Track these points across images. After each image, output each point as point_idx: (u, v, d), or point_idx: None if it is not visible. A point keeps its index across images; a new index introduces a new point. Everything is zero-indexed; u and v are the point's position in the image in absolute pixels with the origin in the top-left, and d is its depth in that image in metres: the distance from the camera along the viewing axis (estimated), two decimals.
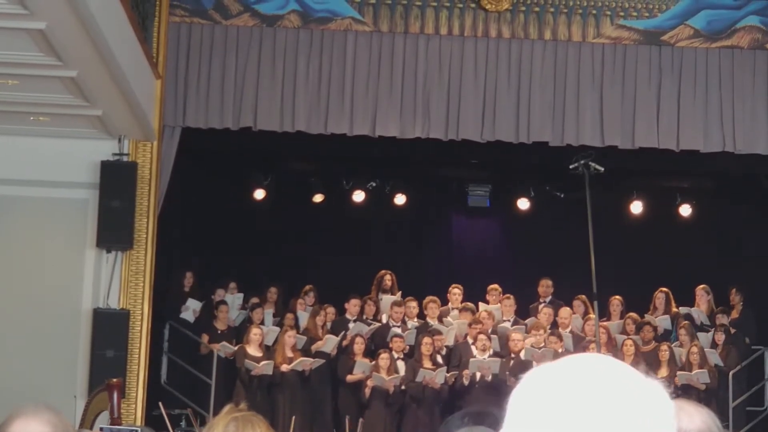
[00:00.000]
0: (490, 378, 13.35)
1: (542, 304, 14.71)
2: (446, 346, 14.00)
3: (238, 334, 14.23)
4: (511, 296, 14.62)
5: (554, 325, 14.25)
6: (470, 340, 13.85)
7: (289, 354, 13.58)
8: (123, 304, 12.41)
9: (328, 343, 13.83)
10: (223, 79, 13.12)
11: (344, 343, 13.97)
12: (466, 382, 13.38)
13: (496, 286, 14.87)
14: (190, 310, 14.14)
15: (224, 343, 13.86)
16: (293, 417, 12.94)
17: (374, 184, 16.26)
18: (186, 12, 13.14)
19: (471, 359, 13.43)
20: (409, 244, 16.25)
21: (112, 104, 11.15)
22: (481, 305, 14.62)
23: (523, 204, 16.21)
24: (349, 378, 13.59)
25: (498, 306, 14.57)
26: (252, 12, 13.22)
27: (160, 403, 11.52)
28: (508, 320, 14.43)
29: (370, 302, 14.59)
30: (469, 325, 14.06)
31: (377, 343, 14.08)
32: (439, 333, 13.95)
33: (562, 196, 15.52)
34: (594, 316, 12.84)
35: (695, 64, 13.33)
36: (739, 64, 13.33)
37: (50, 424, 3.16)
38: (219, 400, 13.01)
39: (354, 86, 13.19)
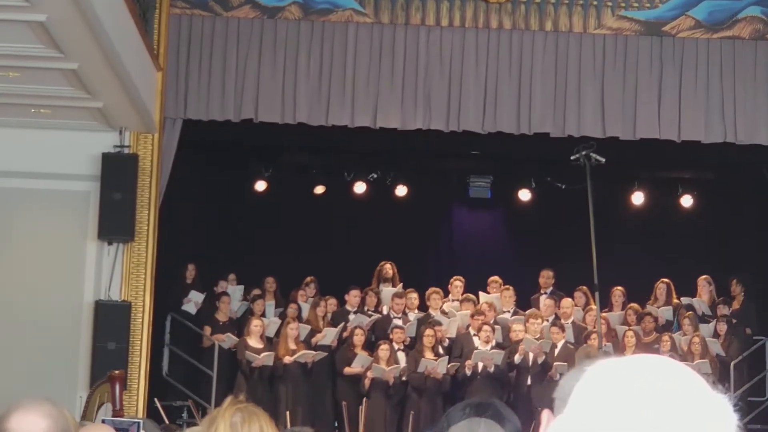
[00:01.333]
0: (492, 369, 13.35)
1: (543, 295, 14.70)
2: (448, 338, 14.00)
3: (239, 325, 14.22)
4: (511, 287, 14.62)
5: (555, 316, 14.25)
6: (472, 332, 13.85)
7: (292, 346, 13.58)
8: (124, 296, 12.41)
9: (328, 336, 13.82)
10: (224, 71, 13.11)
11: (344, 334, 13.96)
12: (468, 372, 13.38)
13: (496, 278, 14.86)
14: (192, 302, 14.14)
15: (229, 334, 13.86)
16: (287, 412, 12.92)
17: (375, 176, 16.23)
18: (187, 4, 13.13)
19: (475, 351, 13.43)
20: (411, 235, 16.22)
21: (113, 96, 11.13)
22: (482, 295, 14.61)
23: (525, 195, 16.19)
24: (347, 371, 13.56)
25: (498, 296, 14.56)
26: (252, 4, 13.20)
27: (156, 399, 11.52)
28: (508, 311, 14.44)
29: (372, 293, 14.57)
30: (471, 316, 14.05)
31: (378, 335, 14.07)
32: (440, 324, 13.94)
33: (563, 187, 15.49)
34: (595, 306, 12.83)
35: (696, 54, 13.31)
36: (740, 54, 13.31)
37: (49, 416, 3.14)
38: (220, 392, 13.00)
39: (355, 78, 13.17)
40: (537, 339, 13.51)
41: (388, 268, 15.03)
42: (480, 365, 13.39)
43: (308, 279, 14.87)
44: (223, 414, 3.14)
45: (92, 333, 12.21)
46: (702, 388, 1.50)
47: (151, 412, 12.11)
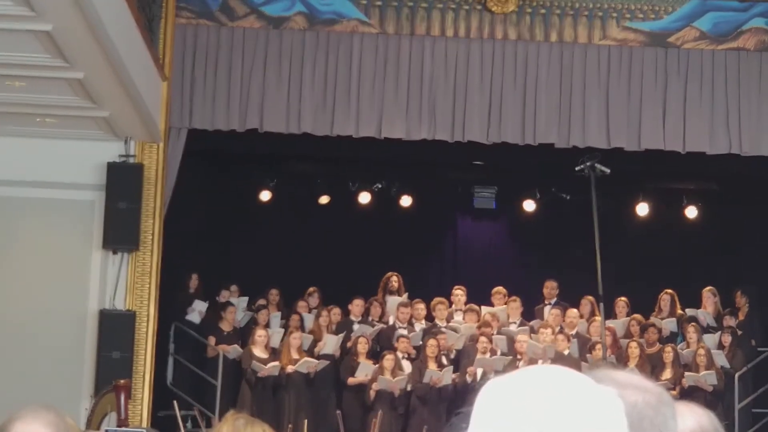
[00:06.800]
0: (493, 376, 13.23)
1: (547, 306, 14.67)
2: (456, 350, 13.93)
3: (242, 335, 14.21)
4: (517, 298, 14.58)
5: (560, 326, 14.20)
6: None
7: (295, 355, 13.56)
8: (129, 305, 12.41)
9: (329, 344, 13.79)
10: (229, 81, 13.13)
11: (348, 344, 13.94)
12: (469, 379, 13.32)
13: (500, 288, 14.83)
14: (196, 311, 14.14)
15: (235, 345, 13.85)
16: (289, 425, 12.90)
17: (380, 186, 16.23)
18: (192, 14, 13.15)
19: (477, 357, 13.35)
20: (415, 245, 16.22)
21: (119, 106, 11.15)
22: (485, 308, 14.53)
23: (529, 206, 16.18)
24: (351, 381, 13.53)
25: (503, 308, 14.52)
26: (258, 14, 13.22)
27: (175, 402, 11.44)
28: (515, 322, 14.39)
29: (376, 303, 14.55)
30: (479, 328, 13.99)
31: (383, 345, 14.04)
32: (443, 333, 13.89)
33: (568, 197, 15.49)
34: (600, 317, 12.81)
35: (701, 65, 13.32)
36: (745, 66, 13.31)
37: (52, 425, 3.12)
38: (225, 402, 13.01)
39: (360, 88, 13.18)
40: (541, 346, 13.46)
41: (394, 280, 15.01)
42: (480, 372, 13.29)
43: (311, 289, 14.86)
44: (226, 419, 3.30)
45: (97, 342, 12.21)
46: (586, 385, 1.56)
47: (156, 422, 12.10)
